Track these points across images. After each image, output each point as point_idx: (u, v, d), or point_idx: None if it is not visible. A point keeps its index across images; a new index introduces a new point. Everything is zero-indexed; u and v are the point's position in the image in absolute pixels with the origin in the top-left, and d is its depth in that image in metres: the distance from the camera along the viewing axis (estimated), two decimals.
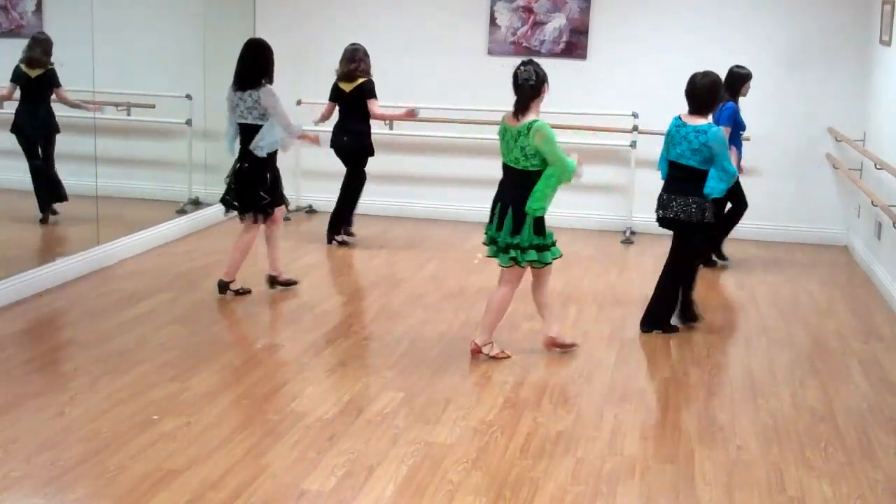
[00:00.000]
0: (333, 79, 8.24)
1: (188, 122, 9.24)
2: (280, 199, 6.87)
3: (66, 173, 8.21)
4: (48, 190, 8.04)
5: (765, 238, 9.10)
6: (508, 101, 5.60)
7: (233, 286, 6.81)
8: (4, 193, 8.34)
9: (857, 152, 8.46)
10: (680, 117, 6.18)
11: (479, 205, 9.58)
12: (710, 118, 6.19)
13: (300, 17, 9.60)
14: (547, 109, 8.81)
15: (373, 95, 8.09)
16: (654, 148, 9.17)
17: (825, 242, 9.09)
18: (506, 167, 5.62)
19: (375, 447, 4.52)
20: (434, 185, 9.51)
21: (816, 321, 6.77)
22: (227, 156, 6.95)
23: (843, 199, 9.07)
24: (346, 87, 8.13)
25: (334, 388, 5.26)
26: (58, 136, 8.09)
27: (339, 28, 9.27)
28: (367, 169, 8.46)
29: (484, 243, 5.78)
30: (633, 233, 9.16)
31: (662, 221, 6.31)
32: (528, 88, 5.49)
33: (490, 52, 9.37)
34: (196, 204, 9.16)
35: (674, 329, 6.35)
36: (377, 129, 9.46)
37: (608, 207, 9.43)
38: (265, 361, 5.64)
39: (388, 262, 7.99)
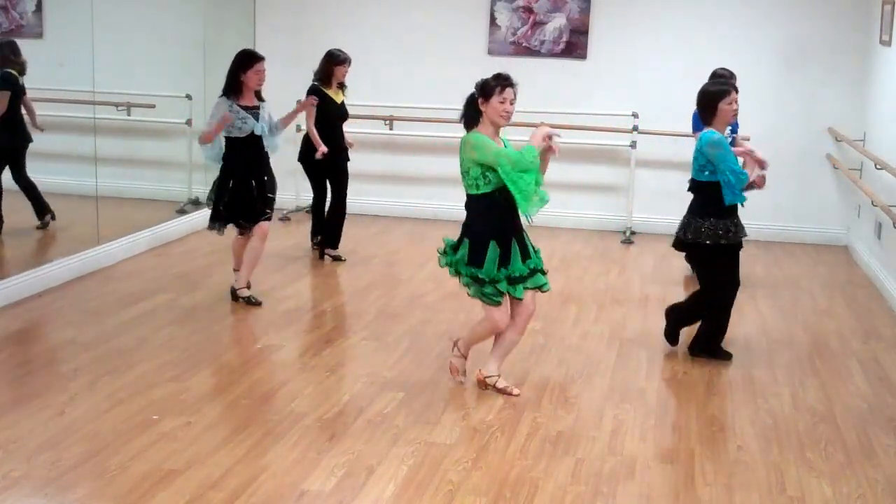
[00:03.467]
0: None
1: (188, 122, 9.23)
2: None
3: (67, 173, 8.20)
4: None
5: (765, 238, 9.09)
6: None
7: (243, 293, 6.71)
8: None
9: (857, 152, 8.46)
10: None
11: None
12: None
13: (300, 17, 9.60)
14: (547, 109, 8.94)
15: None
16: (654, 148, 9.21)
17: (825, 242, 9.09)
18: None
19: (375, 447, 4.51)
20: (434, 185, 9.50)
21: (816, 321, 6.77)
22: None
23: (843, 199, 9.07)
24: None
25: (334, 388, 5.26)
26: (58, 136, 8.07)
27: (339, 28, 9.27)
28: (367, 168, 8.44)
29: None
30: (633, 233, 9.16)
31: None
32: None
33: (490, 52, 9.36)
34: (196, 204, 9.15)
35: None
36: (376, 128, 9.50)
37: (608, 207, 9.43)
38: (265, 361, 5.64)
39: (388, 262, 7.99)
